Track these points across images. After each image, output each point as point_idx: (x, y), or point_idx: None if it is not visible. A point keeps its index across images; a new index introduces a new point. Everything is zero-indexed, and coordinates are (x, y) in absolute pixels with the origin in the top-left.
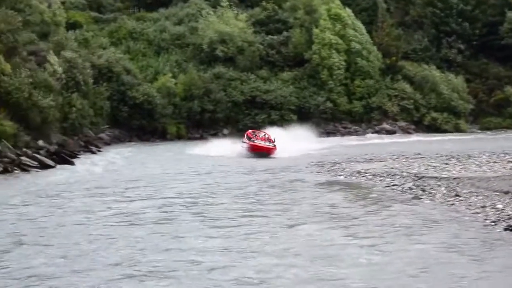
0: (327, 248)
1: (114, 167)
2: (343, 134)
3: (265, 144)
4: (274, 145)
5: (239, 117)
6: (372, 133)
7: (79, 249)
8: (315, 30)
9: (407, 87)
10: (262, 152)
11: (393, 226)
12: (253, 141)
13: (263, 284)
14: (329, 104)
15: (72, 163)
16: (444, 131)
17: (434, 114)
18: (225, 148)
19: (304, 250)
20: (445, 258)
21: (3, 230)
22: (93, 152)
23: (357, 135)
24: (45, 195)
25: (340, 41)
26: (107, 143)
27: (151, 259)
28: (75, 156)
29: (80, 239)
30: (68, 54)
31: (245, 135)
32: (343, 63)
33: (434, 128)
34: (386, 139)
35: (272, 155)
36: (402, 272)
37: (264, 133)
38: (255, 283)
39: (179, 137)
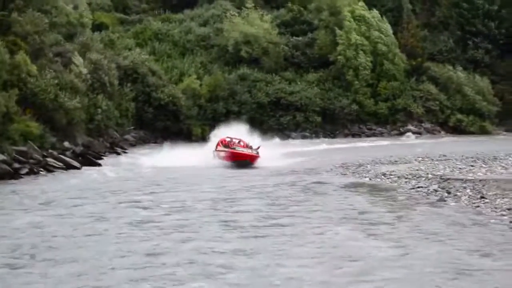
0: (354, 252)
1: (138, 169)
2: (368, 136)
3: (248, 151)
4: (257, 153)
5: (264, 118)
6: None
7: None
8: (340, 31)
9: (433, 89)
10: (243, 161)
11: (419, 228)
12: (234, 148)
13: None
14: (354, 106)
15: (97, 164)
16: (470, 133)
17: (459, 116)
18: (188, 156)
19: (330, 254)
20: (472, 263)
21: (26, 234)
22: (118, 154)
23: (383, 136)
24: (67, 197)
25: (366, 42)
26: (132, 144)
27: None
28: (100, 157)
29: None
30: (93, 55)
31: (220, 143)
32: (369, 63)
33: (459, 130)
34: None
35: (254, 164)
36: (430, 277)
37: (239, 140)
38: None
39: (204, 138)
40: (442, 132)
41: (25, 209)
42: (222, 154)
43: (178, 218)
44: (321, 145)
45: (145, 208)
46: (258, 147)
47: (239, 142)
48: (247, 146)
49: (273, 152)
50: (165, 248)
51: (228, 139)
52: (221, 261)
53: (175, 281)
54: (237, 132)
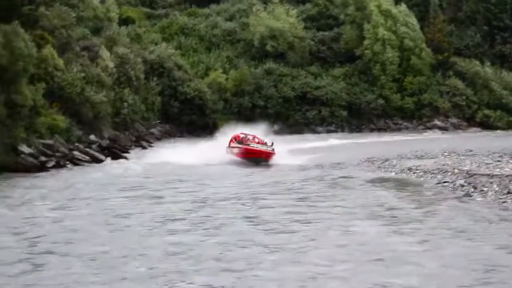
0: (380, 248)
1: (164, 163)
2: (393, 130)
3: (263, 148)
4: (273, 149)
5: (289, 113)
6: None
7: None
8: (367, 26)
9: (459, 84)
10: (258, 158)
11: (445, 224)
12: (248, 144)
13: (314, 282)
14: (380, 101)
15: (123, 158)
16: (497, 128)
17: (486, 111)
18: (198, 153)
19: (357, 250)
20: (500, 259)
21: (48, 226)
22: (144, 147)
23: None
24: (91, 191)
25: (393, 37)
26: (158, 138)
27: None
28: (126, 151)
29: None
30: (120, 49)
31: (233, 139)
32: (397, 58)
33: (486, 125)
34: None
35: (269, 161)
36: (457, 273)
37: (254, 136)
38: (306, 280)
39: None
40: (469, 127)
41: (48, 203)
42: (236, 150)
43: (202, 215)
44: (328, 140)
45: (167, 203)
46: (272, 143)
47: (253, 138)
48: (262, 143)
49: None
50: (187, 243)
51: (242, 135)
52: (246, 256)
53: (200, 275)
54: (252, 130)
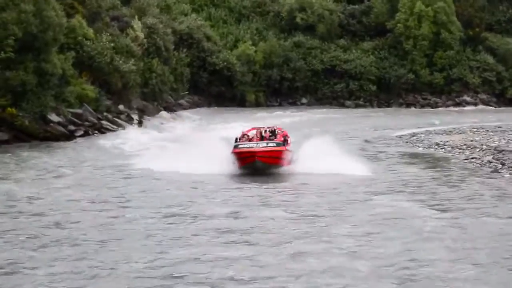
0: (409, 222)
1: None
2: (422, 106)
3: (259, 146)
4: (278, 145)
5: (318, 86)
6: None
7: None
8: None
9: (490, 59)
10: (250, 163)
11: (473, 200)
12: (237, 146)
13: (347, 254)
14: (410, 76)
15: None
16: None
17: None
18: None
19: (384, 225)
20: None
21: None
22: (173, 118)
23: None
24: (115, 159)
25: (430, 12)
26: (186, 109)
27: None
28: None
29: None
30: (149, 20)
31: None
32: (430, 34)
33: None
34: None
35: (275, 166)
36: (484, 249)
37: (268, 129)
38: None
39: (257, 104)
40: (498, 103)
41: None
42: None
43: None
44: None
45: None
46: (285, 139)
47: (265, 130)
48: (267, 138)
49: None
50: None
51: (250, 131)
52: (268, 242)
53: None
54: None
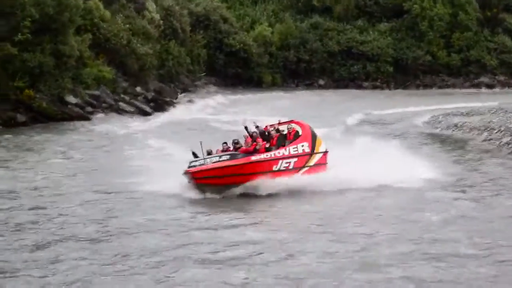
0: (427, 204)
1: (207, 114)
2: (440, 87)
3: (206, 163)
4: (241, 156)
5: (334, 67)
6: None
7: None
8: None
9: (508, 41)
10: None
11: (492, 181)
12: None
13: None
14: (427, 57)
15: (168, 110)
16: None
17: None
18: None
19: (401, 208)
20: None
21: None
22: (189, 100)
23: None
24: (131, 141)
25: None
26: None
27: None
28: (171, 103)
29: None
30: (166, 1)
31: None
32: (447, 15)
33: None
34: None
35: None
36: (505, 230)
37: (282, 127)
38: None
39: (274, 86)
40: None
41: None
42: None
43: None
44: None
45: None
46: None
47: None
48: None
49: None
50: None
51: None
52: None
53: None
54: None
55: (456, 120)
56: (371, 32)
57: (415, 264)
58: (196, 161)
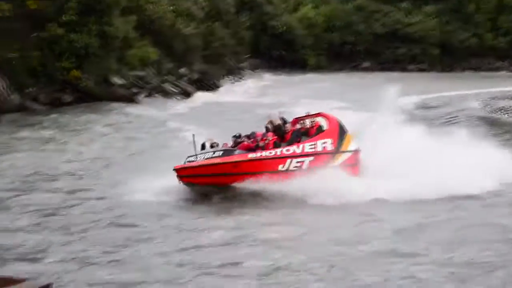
0: (470, 191)
1: (250, 97)
2: (486, 70)
3: (198, 160)
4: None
5: (379, 50)
6: None
7: None
8: None
9: None
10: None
11: None
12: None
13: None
14: (474, 40)
15: (212, 91)
16: None
17: None
18: None
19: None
20: None
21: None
22: (233, 82)
23: None
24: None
25: None
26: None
27: None
28: (216, 84)
29: None
30: None
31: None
32: None
33: None
34: None
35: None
36: None
37: (309, 120)
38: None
39: (319, 68)
40: None
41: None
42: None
43: None
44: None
45: None
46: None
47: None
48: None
49: None
50: None
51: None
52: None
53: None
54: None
55: (502, 103)
56: (417, 15)
57: None
58: (193, 155)
